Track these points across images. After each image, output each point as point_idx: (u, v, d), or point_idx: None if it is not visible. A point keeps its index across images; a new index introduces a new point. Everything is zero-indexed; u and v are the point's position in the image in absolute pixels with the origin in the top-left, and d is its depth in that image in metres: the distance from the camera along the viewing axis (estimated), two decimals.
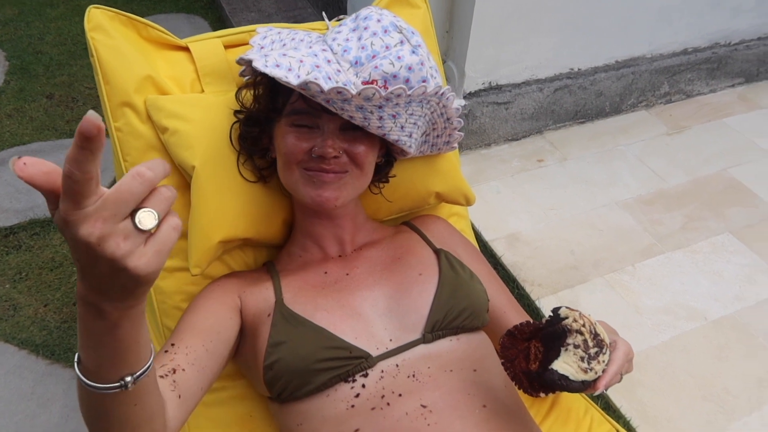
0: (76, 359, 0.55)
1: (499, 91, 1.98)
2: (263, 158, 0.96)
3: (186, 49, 1.06)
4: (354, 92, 0.75)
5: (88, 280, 0.47)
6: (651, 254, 1.74)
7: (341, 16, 1.15)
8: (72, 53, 2.69)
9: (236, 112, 0.96)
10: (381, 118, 0.82)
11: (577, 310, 0.73)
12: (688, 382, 1.42)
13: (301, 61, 0.81)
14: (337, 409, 0.81)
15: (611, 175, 2.01)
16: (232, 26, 2.70)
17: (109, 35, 0.98)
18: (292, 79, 0.76)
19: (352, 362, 0.82)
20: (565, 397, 1.09)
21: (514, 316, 1.01)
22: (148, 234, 0.45)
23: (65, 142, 2.18)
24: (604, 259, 1.72)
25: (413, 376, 0.83)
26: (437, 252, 0.97)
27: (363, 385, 0.82)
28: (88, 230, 0.43)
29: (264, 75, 0.93)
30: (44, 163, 0.43)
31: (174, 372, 0.74)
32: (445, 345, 0.87)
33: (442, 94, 0.87)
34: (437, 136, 1.00)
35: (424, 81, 0.85)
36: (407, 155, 0.97)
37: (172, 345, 0.79)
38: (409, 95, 0.80)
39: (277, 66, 0.79)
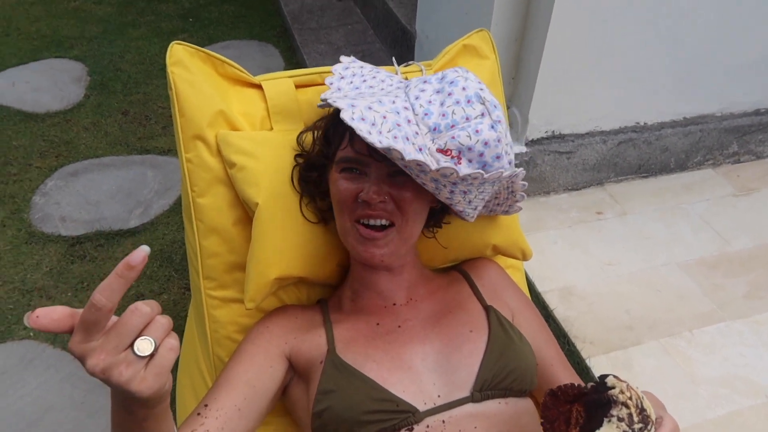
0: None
1: (562, 140, 1.96)
2: (324, 200, 0.97)
3: (259, 86, 1.10)
4: (433, 168, 0.76)
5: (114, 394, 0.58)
6: (711, 321, 1.66)
7: (410, 62, 1.18)
8: (149, 73, 2.82)
9: (296, 156, 0.98)
10: (452, 192, 0.83)
11: (625, 382, 0.71)
12: None
13: (384, 117, 0.81)
14: None
15: (673, 234, 1.95)
16: (302, 56, 2.78)
17: (188, 70, 1.03)
18: (375, 140, 0.75)
19: (399, 416, 0.82)
20: None
21: (560, 370, 0.99)
22: (147, 359, 0.53)
23: (135, 158, 2.28)
24: (660, 321, 1.66)
25: None
26: (487, 309, 0.96)
27: None
28: (94, 362, 0.52)
29: (323, 119, 0.96)
30: (54, 311, 0.52)
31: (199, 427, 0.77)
32: (493, 407, 0.86)
33: (517, 174, 0.88)
34: (498, 204, 1.00)
35: (497, 157, 0.84)
36: (466, 220, 0.97)
37: (205, 406, 0.81)
38: (485, 179, 0.81)
39: (363, 119, 0.79)
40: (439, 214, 0.99)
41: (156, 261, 1.85)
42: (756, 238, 1.94)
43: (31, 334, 1.62)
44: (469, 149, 0.83)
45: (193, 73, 1.02)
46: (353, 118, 0.77)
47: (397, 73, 1.05)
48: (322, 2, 3.32)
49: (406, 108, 0.85)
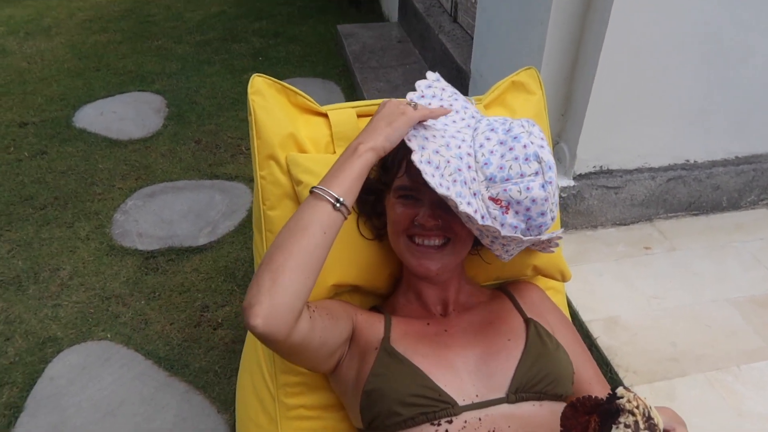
0: (311, 189, 0.87)
1: (610, 176, 2.01)
2: (379, 219, 1.08)
3: (325, 115, 1.23)
4: (480, 224, 0.87)
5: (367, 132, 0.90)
6: (759, 358, 1.66)
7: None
8: (221, 106, 3.06)
9: None
10: (492, 242, 0.93)
11: (633, 392, 0.76)
12: None
13: (449, 162, 0.91)
14: None
15: (722, 271, 1.95)
16: (362, 93, 2.95)
17: (265, 98, 1.17)
18: (437, 183, 0.86)
19: (439, 405, 0.90)
20: None
21: (597, 388, 1.04)
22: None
23: (205, 183, 2.47)
24: (707, 355, 1.66)
25: (494, 431, 0.89)
26: (527, 321, 1.04)
27: (446, 430, 0.89)
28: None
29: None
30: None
31: (309, 308, 0.89)
32: (528, 408, 0.93)
33: (553, 240, 0.96)
34: (533, 244, 1.06)
35: (542, 214, 0.93)
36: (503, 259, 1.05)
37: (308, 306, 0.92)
38: (524, 242, 0.90)
39: (429, 162, 0.89)
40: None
41: (220, 276, 2.00)
42: None
43: (109, 335, 1.78)
44: (518, 203, 0.91)
45: (269, 101, 1.16)
46: (421, 161, 0.88)
47: (472, 103, 1.13)
48: (383, 43, 3.51)
49: (469, 154, 0.94)
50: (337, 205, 0.84)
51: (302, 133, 1.20)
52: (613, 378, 1.60)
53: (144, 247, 2.12)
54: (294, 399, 1.13)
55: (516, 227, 0.94)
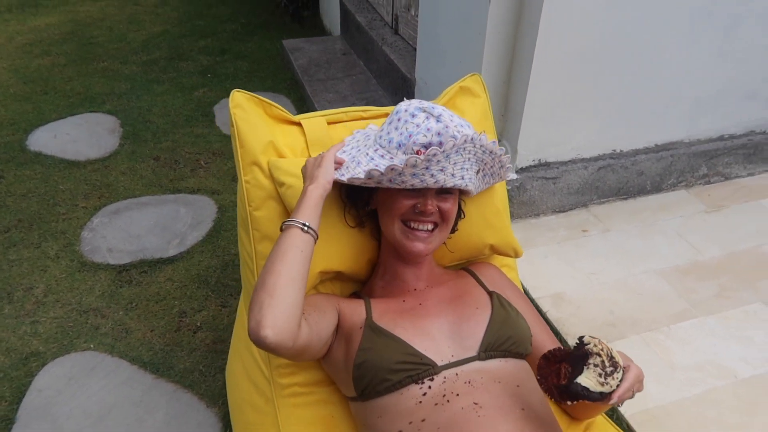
0: (281, 226, 1.05)
1: (548, 168, 2.23)
2: (363, 209, 1.23)
3: (299, 124, 1.38)
4: (401, 165, 1.03)
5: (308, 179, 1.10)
6: (685, 318, 1.90)
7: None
8: (175, 123, 3.13)
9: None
10: (433, 176, 1.08)
11: (597, 338, 0.95)
12: (716, 431, 1.56)
13: (365, 170, 1.11)
14: (408, 404, 1.04)
15: (650, 247, 2.20)
16: (313, 104, 3.09)
17: (245, 111, 1.30)
18: (360, 175, 1.11)
19: (422, 367, 1.06)
20: (597, 424, 1.27)
21: (552, 347, 1.22)
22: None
23: (168, 197, 2.55)
24: (640, 319, 1.89)
25: (469, 382, 1.05)
26: (490, 294, 1.21)
27: (429, 387, 1.05)
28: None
29: None
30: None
31: (303, 313, 1.03)
32: (496, 363, 1.10)
33: (471, 139, 1.08)
34: (490, 167, 1.22)
35: (453, 137, 1.08)
36: (470, 194, 1.22)
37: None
38: (443, 151, 1.05)
39: (354, 177, 1.12)
40: (456, 220, 1.25)
41: (194, 284, 2.10)
42: (725, 248, 2.20)
43: (92, 346, 1.85)
44: (430, 144, 1.09)
45: (249, 113, 1.30)
46: (345, 178, 1.14)
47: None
48: (328, 56, 3.67)
49: (376, 150, 1.15)
50: (305, 228, 1.04)
51: (280, 140, 1.34)
52: (564, 345, 1.80)
53: (115, 261, 2.19)
54: (287, 378, 1.26)
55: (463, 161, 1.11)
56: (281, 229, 1.06)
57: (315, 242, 1.06)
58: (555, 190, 2.27)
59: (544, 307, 1.93)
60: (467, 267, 1.35)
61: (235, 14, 4.66)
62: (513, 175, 1.29)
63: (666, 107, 2.29)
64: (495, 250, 1.38)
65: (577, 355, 0.94)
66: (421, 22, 2.54)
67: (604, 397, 0.91)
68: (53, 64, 3.75)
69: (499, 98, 2.15)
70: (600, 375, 0.92)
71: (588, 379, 0.91)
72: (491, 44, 2.02)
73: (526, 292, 1.96)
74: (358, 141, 1.27)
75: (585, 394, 0.91)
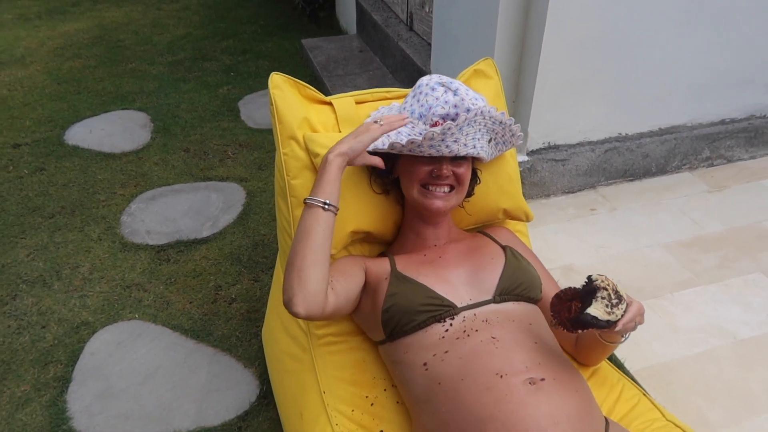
0: (304, 201, 1.16)
1: (557, 150, 2.37)
2: (388, 176, 1.38)
3: (330, 103, 1.53)
4: (420, 138, 1.18)
5: (336, 144, 1.20)
6: (688, 286, 2.03)
7: None
8: (202, 118, 3.30)
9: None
10: (448, 146, 1.23)
11: (603, 275, 1.08)
12: (716, 384, 1.68)
13: (388, 136, 1.27)
14: (433, 339, 1.19)
15: (655, 223, 2.33)
16: None
17: (282, 91, 1.46)
18: (384, 145, 1.27)
19: (443, 309, 1.20)
20: (602, 369, 1.41)
21: None
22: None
23: (200, 185, 2.71)
24: (646, 287, 2.02)
25: (486, 321, 1.19)
26: (504, 248, 1.36)
27: (450, 324, 1.19)
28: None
29: None
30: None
31: (330, 281, 1.19)
32: (510, 306, 1.24)
33: (482, 112, 1.23)
34: (501, 136, 1.37)
35: (467, 110, 1.24)
36: (484, 161, 1.37)
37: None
38: (457, 125, 1.20)
39: (382, 144, 1.27)
40: (471, 185, 1.40)
41: (227, 261, 2.26)
42: (726, 224, 2.32)
43: (137, 316, 2.02)
44: (447, 115, 1.24)
45: (285, 93, 1.46)
46: (375, 146, 1.28)
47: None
48: (345, 54, 3.83)
49: (407, 119, 1.29)
50: (326, 207, 1.16)
51: (314, 118, 1.49)
52: None
53: (154, 242, 2.35)
54: (322, 330, 1.41)
55: (479, 133, 1.26)
56: (304, 204, 1.17)
57: (336, 214, 1.18)
58: (564, 171, 2.41)
59: (555, 277, 2.06)
60: (483, 230, 1.49)
61: (254, 16, 4.85)
62: (519, 135, 1.42)
63: (667, 92, 2.41)
64: (508, 215, 1.52)
65: (586, 291, 1.08)
66: (435, 16, 2.69)
67: (610, 324, 1.05)
68: (84, 66, 3.95)
69: (511, 85, 2.29)
70: (607, 306, 1.05)
71: (597, 310, 1.05)
72: (502, 34, 2.17)
73: None
74: (383, 114, 1.42)
75: (594, 322, 1.04)
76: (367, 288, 1.30)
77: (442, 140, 1.21)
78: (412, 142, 1.20)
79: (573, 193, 2.49)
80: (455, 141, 1.23)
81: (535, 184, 2.40)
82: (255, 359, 1.85)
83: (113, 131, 3.16)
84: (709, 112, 2.54)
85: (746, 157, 2.70)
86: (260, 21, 4.74)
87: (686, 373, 1.72)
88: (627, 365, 1.75)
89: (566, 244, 2.23)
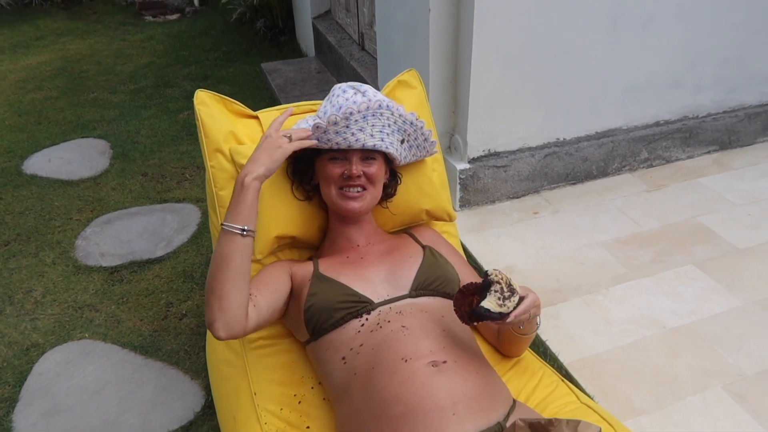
0: (221, 225, 1.17)
1: (498, 157, 2.46)
2: (308, 183, 1.44)
3: (256, 117, 1.60)
4: (324, 124, 1.25)
5: (252, 157, 1.22)
6: (623, 281, 2.10)
7: None
8: (161, 142, 3.36)
9: (289, 157, 1.44)
10: (353, 134, 1.29)
11: (498, 270, 1.15)
12: (644, 372, 1.75)
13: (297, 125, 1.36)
14: (350, 334, 1.24)
15: (595, 223, 2.41)
16: None
17: (208, 106, 1.53)
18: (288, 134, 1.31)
19: (360, 305, 1.26)
20: (525, 359, 1.46)
21: None
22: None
23: (156, 207, 2.76)
24: (583, 284, 2.09)
25: (400, 312, 1.25)
26: (424, 247, 1.42)
27: (366, 319, 1.25)
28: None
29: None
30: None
31: (252, 297, 1.23)
32: (424, 300, 1.30)
33: (387, 106, 1.31)
34: (414, 139, 1.43)
35: (380, 105, 1.31)
36: (398, 162, 1.43)
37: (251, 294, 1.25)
38: (359, 111, 1.27)
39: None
40: (388, 187, 1.46)
41: (180, 278, 2.30)
42: (663, 221, 2.41)
43: (87, 335, 2.04)
44: (358, 111, 1.29)
45: (211, 108, 1.53)
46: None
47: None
48: (303, 75, 3.93)
49: (314, 120, 1.35)
50: (244, 233, 1.17)
51: (240, 131, 1.56)
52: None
53: (107, 263, 2.39)
54: (255, 334, 1.45)
55: (378, 129, 1.32)
56: (221, 228, 1.18)
57: (253, 238, 1.20)
58: (506, 177, 2.49)
59: None
60: (407, 230, 1.56)
61: (217, 43, 4.94)
62: (436, 151, 1.50)
63: (599, 97, 2.52)
64: (431, 215, 1.59)
65: (483, 285, 1.15)
66: (378, 34, 2.79)
67: (503, 316, 1.12)
68: (46, 97, 4.00)
69: (449, 96, 2.38)
70: (499, 299, 1.12)
71: (489, 303, 1.11)
72: (435, 49, 2.26)
73: (479, 267, 2.16)
74: (306, 122, 1.49)
75: (487, 314, 1.11)
76: (293, 292, 1.35)
77: (347, 127, 1.28)
78: (317, 127, 1.27)
79: (517, 198, 2.57)
80: (360, 130, 1.30)
81: (479, 191, 2.48)
82: (202, 371, 1.89)
83: (72, 159, 3.20)
84: (642, 114, 2.65)
85: (684, 156, 2.81)
86: (223, 48, 4.83)
87: (617, 363, 1.78)
88: (561, 358, 1.81)
89: (509, 246, 2.30)
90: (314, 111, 1.62)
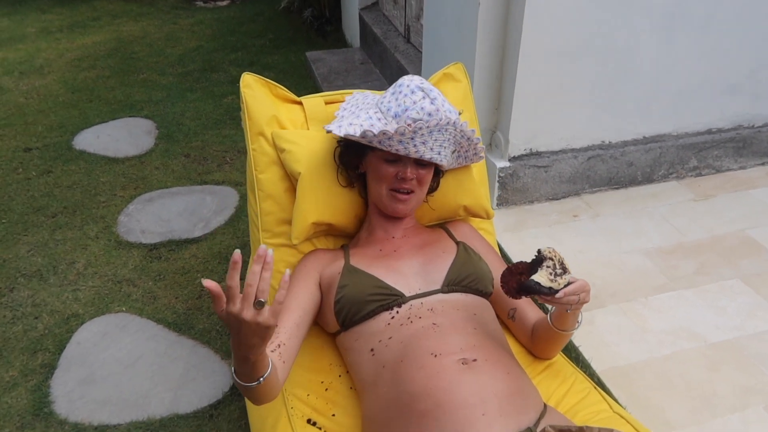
0: (232, 371, 1.04)
1: (539, 157, 2.41)
2: (354, 171, 1.44)
3: (300, 102, 1.61)
4: (392, 131, 1.23)
5: (238, 342, 0.94)
6: (663, 290, 2.04)
7: None
8: (205, 125, 3.41)
9: (340, 141, 1.44)
10: (415, 146, 1.28)
11: (551, 247, 1.13)
12: (680, 385, 1.69)
13: (361, 125, 1.31)
14: (379, 326, 1.23)
15: (637, 229, 2.34)
16: None
17: (253, 90, 1.54)
18: (356, 133, 1.28)
19: (391, 297, 1.25)
20: (558, 363, 1.43)
21: None
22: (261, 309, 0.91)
23: (196, 188, 2.81)
24: (620, 291, 2.04)
25: (431, 309, 1.24)
26: (457, 243, 1.41)
27: (397, 312, 1.24)
28: (236, 308, 0.90)
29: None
30: (214, 286, 0.89)
31: (279, 347, 1.19)
32: (457, 296, 1.29)
33: (453, 123, 1.30)
34: (465, 151, 1.43)
35: (439, 119, 1.29)
36: (444, 168, 1.42)
37: (276, 327, 1.15)
38: (428, 126, 1.26)
39: (350, 125, 1.31)
40: (436, 178, 1.45)
41: (215, 260, 2.33)
42: (709, 232, 2.33)
43: (124, 309, 2.10)
44: (420, 119, 1.28)
45: (256, 92, 1.54)
46: (340, 129, 1.32)
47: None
48: (347, 66, 3.93)
49: (376, 113, 1.35)
50: (261, 380, 1.04)
51: (283, 116, 1.57)
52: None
53: (147, 240, 2.44)
54: None
55: (440, 145, 1.30)
56: (239, 380, 1.05)
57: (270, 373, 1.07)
58: (547, 178, 2.44)
59: None
60: (443, 224, 1.54)
61: (264, 31, 4.99)
62: (482, 156, 1.49)
63: (649, 100, 2.44)
64: (468, 211, 1.57)
65: (534, 262, 1.13)
66: (425, 27, 2.77)
67: (553, 292, 1.09)
68: (98, 76, 4.11)
69: (493, 92, 2.35)
70: (551, 274, 1.10)
71: (540, 276, 1.09)
72: (482, 43, 2.23)
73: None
74: (357, 100, 1.48)
75: (537, 288, 1.08)
76: (324, 289, 1.34)
77: (411, 138, 1.26)
78: (384, 133, 1.24)
79: (557, 200, 2.52)
80: (423, 143, 1.28)
81: (518, 190, 2.44)
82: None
83: (119, 137, 3.28)
84: (694, 121, 2.56)
85: (735, 167, 2.70)
86: (269, 35, 4.88)
87: (652, 374, 1.73)
88: (593, 365, 1.77)
89: (545, 246, 2.25)
90: (342, 100, 1.60)
